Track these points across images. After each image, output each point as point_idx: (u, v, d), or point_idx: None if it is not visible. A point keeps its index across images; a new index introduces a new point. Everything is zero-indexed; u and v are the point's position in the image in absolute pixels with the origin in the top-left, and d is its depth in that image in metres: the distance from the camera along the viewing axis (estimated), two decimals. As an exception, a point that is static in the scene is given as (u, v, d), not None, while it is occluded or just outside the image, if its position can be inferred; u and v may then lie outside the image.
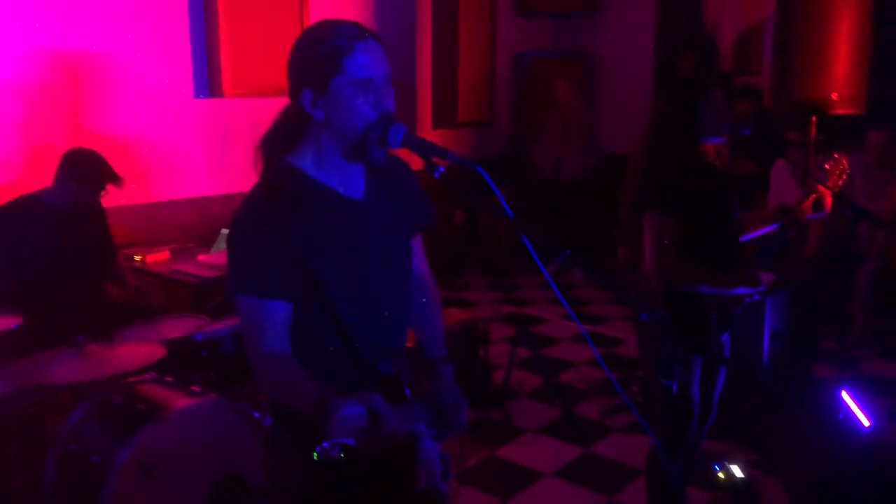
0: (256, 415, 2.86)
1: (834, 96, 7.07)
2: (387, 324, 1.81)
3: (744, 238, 2.75)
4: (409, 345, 1.91)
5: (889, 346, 5.14)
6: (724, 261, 2.59)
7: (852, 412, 3.35)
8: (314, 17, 5.44)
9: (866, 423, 3.49)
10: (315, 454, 1.36)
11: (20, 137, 4.36)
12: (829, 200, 2.75)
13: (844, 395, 2.95)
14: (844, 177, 2.84)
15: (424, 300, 1.99)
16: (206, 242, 4.79)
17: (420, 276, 1.99)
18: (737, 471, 3.48)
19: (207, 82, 5.07)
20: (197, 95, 5.07)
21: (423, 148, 1.63)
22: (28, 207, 3.59)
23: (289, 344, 1.66)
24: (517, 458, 3.84)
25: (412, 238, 1.93)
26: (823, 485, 3.29)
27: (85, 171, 3.58)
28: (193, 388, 2.95)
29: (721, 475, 3.49)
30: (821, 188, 2.75)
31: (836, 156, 2.87)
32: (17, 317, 3.00)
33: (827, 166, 2.85)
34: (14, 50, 4.30)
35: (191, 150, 5.12)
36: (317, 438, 1.44)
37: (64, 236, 3.62)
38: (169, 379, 3.02)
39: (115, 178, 3.65)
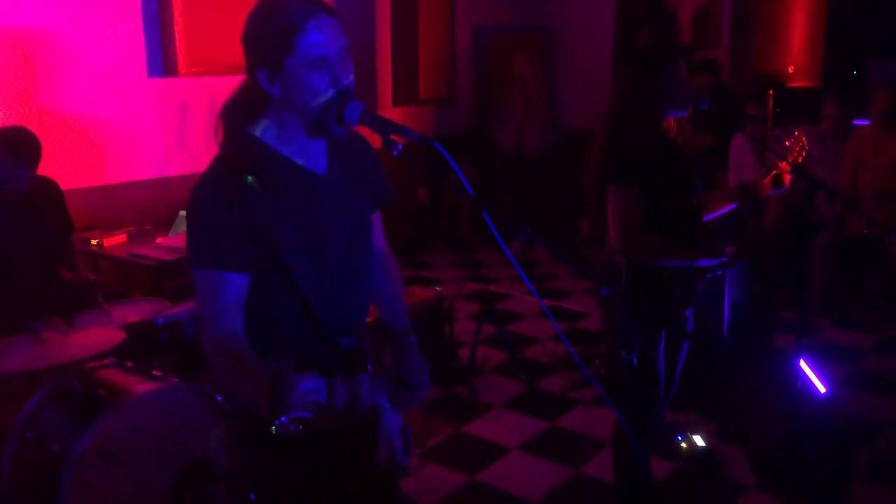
0: (219, 398, 2.82)
1: (790, 69, 7.16)
2: (347, 298, 1.80)
3: (707, 217, 2.78)
4: (369, 320, 1.91)
5: (845, 314, 5.26)
6: (686, 234, 2.60)
7: (809, 380, 3.43)
8: (270, -8, 5.33)
9: (822, 389, 3.58)
10: (273, 428, 1.34)
11: (-33, 119, 4.23)
12: (787, 177, 2.78)
13: (802, 363, 3.01)
14: (804, 153, 2.87)
15: (384, 275, 2.00)
16: (165, 225, 4.71)
17: (380, 252, 2.00)
18: (698, 440, 3.55)
19: (162, 61, 4.96)
20: (151, 75, 4.95)
21: (381, 125, 1.61)
22: None
23: (242, 321, 1.65)
24: (483, 434, 3.86)
25: (372, 214, 1.93)
26: (782, 450, 3.37)
27: (15, 147, 3.45)
28: (154, 372, 2.90)
29: (683, 445, 3.55)
30: (780, 164, 2.78)
31: (795, 133, 2.91)
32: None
33: (787, 143, 2.88)
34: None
35: (147, 131, 5.01)
36: (274, 414, 1.44)
37: (16, 219, 3.52)
38: (129, 364, 2.97)
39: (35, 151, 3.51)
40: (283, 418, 1.35)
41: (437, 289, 4.97)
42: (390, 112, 6.41)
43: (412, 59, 6.80)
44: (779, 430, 3.46)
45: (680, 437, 3.57)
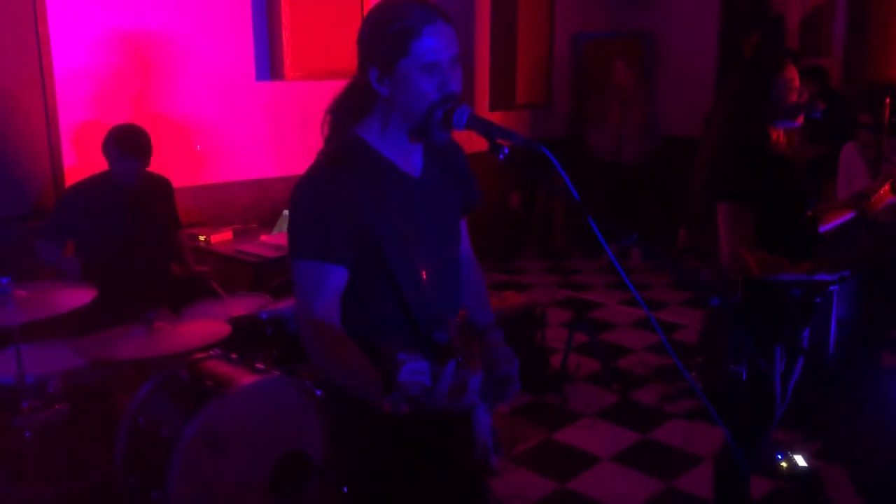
0: (318, 392, 2.91)
1: (910, 76, 6.80)
2: (439, 294, 1.83)
3: (823, 229, 2.67)
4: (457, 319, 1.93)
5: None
6: (801, 248, 2.51)
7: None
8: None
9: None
10: (386, 404, 1.36)
11: (89, 119, 4.49)
12: None
13: (917, 385, 2.86)
14: None
15: (470, 276, 2.04)
16: (268, 223, 4.87)
17: (465, 256, 2.03)
18: (800, 460, 3.42)
19: (269, 65, 5.14)
20: (259, 78, 5.14)
21: (488, 129, 1.63)
22: (97, 185, 3.71)
23: (338, 312, 1.69)
24: (574, 442, 3.83)
25: (461, 217, 1.97)
26: (891, 475, 3.21)
27: (124, 142, 3.64)
28: (258, 365, 3.02)
29: (783, 464, 3.43)
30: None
31: None
32: (93, 291, 3.09)
33: None
34: (86, 34, 4.42)
35: (253, 132, 5.20)
36: (370, 411, 1.44)
37: (131, 212, 3.71)
38: (234, 356, 3.09)
39: (141, 146, 3.68)
40: (395, 394, 1.35)
41: (529, 294, 4.95)
42: (486, 116, 6.43)
43: (510, 64, 6.81)
44: (887, 453, 3.30)
45: (780, 456, 3.44)
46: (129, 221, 3.70)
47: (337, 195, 1.65)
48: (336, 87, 1.81)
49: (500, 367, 1.83)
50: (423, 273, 1.77)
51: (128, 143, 3.64)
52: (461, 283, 1.97)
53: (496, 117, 6.62)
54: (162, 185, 3.96)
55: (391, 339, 1.55)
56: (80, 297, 2.98)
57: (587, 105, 7.13)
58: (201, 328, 3.13)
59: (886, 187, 2.63)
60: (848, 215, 2.70)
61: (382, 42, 1.65)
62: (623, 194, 6.78)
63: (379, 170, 1.73)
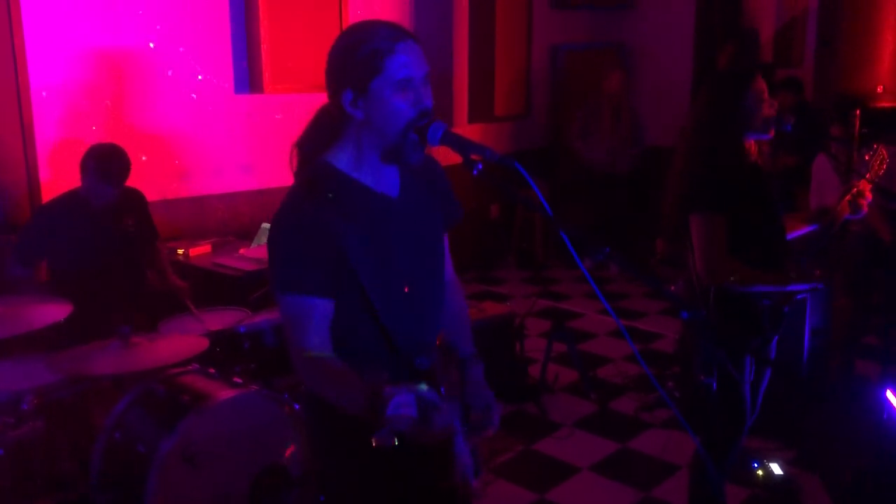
0: (297, 406, 2.90)
1: (879, 89, 6.93)
2: (421, 319, 1.84)
3: (788, 237, 2.72)
4: (437, 342, 1.94)
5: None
6: (773, 258, 2.54)
7: None
8: (353, 12, 5.47)
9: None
10: (373, 441, 1.37)
11: (66, 133, 4.46)
12: (867, 195, 2.71)
13: (889, 394, 2.90)
14: (885, 166, 2.80)
15: (453, 302, 2.03)
16: (247, 236, 4.86)
17: (448, 278, 2.02)
18: (775, 468, 3.45)
19: (248, 78, 5.14)
20: (238, 91, 5.14)
21: (462, 145, 1.65)
22: (68, 204, 3.67)
23: (329, 341, 1.70)
24: (553, 453, 3.85)
25: (443, 234, 1.97)
26: (866, 483, 3.25)
27: (104, 165, 3.62)
28: (235, 379, 3.01)
29: (759, 472, 3.46)
30: (861, 183, 2.70)
31: (875, 146, 2.83)
32: (68, 307, 3.07)
33: (867, 157, 2.81)
34: (62, 51, 4.40)
35: (232, 146, 5.19)
36: (350, 428, 1.44)
37: (104, 228, 3.68)
38: (211, 370, 3.08)
39: (123, 171, 3.65)
40: (383, 431, 1.37)
41: (508, 304, 4.98)
42: (465, 129, 6.47)
43: (489, 76, 6.86)
44: (862, 461, 3.34)
45: (756, 464, 3.48)
46: (102, 237, 3.68)
47: (311, 226, 1.66)
48: (315, 99, 1.83)
49: (476, 413, 1.83)
50: (404, 296, 1.78)
51: (108, 167, 3.60)
52: (443, 307, 1.96)
53: (475, 129, 6.66)
54: (134, 197, 3.92)
55: (376, 371, 1.56)
56: (54, 312, 2.96)
57: (573, 117, 7.16)
58: (178, 342, 3.13)
59: (845, 203, 2.68)
60: (807, 228, 2.74)
61: (355, 63, 1.66)
62: (601, 203, 6.83)
63: (353, 195, 1.73)
